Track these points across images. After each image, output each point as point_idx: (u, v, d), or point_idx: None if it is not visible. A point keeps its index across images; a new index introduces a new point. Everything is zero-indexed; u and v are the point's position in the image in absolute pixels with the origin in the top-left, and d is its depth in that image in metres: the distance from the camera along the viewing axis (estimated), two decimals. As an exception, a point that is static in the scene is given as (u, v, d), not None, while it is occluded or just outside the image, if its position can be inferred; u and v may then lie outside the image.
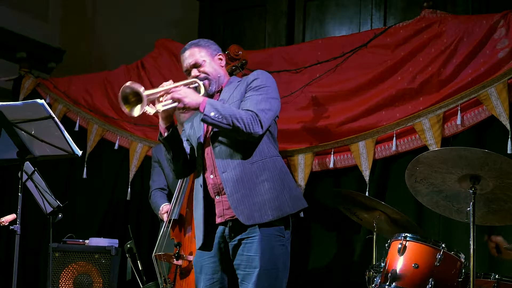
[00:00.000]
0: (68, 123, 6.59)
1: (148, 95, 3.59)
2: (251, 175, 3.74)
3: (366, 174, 5.31)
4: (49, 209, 5.12)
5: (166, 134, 3.84)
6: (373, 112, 5.34)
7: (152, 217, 5.61)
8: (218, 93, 3.98)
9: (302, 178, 5.53)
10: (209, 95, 3.93)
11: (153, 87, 6.35)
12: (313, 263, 5.61)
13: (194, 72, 3.94)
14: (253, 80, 3.85)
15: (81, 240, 5.85)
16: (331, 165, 5.47)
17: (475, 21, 5.08)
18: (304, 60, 5.75)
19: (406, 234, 4.11)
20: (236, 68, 4.95)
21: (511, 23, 4.93)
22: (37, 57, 7.82)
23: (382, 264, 4.23)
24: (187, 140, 4.05)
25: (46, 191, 5.04)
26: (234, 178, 3.75)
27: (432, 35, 5.22)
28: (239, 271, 3.77)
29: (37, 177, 4.98)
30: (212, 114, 3.62)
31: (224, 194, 3.78)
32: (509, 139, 4.80)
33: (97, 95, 6.77)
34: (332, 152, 5.48)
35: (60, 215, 5.18)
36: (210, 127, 3.84)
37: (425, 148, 5.01)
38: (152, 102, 3.70)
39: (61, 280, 5.70)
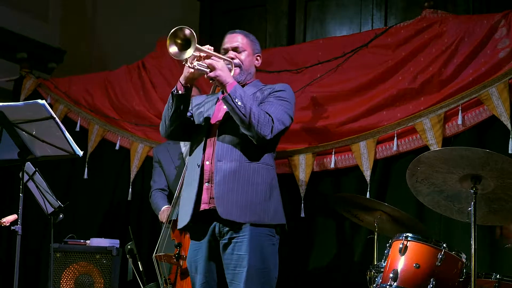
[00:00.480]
0: (69, 123, 6.59)
1: (197, 48, 3.62)
2: (244, 173, 3.77)
3: (367, 174, 5.31)
4: (50, 210, 5.12)
5: (180, 91, 3.82)
6: (374, 112, 5.34)
7: (153, 218, 5.61)
8: None
9: (303, 178, 5.53)
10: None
11: (154, 87, 6.41)
12: (313, 263, 5.61)
13: (231, 54, 3.98)
14: (279, 90, 3.92)
15: (82, 241, 5.84)
16: (332, 165, 5.47)
17: (476, 21, 5.07)
18: (304, 60, 5.74)
19: (407, 234, 4.10)
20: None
21: (512, 22, 4.94)
22: (37, 58, 7.82)
23: (383, 264, 4.23)
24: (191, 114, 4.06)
25: (47, 192, 5.04)
26: (227, 170, 3.77)
27: (433, 35, 5.22)
28: (229, 271, 3.77)
29: (38, 177, 4.98)
30: (235, 97, 3.65)
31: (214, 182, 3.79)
32: (510, 139, 4.79)
33: (98, 95, 6.77)
34: (333, 152, 5.48)
35: (61, 216, 5.18)
36: (223, 114, 3.85)
37: (426, 148, 5.01)
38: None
39: (62, 281, 5.69)
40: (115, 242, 5.81)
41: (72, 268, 5.72)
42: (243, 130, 3.75)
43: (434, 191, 3.99)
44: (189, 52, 3.59)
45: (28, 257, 6.74)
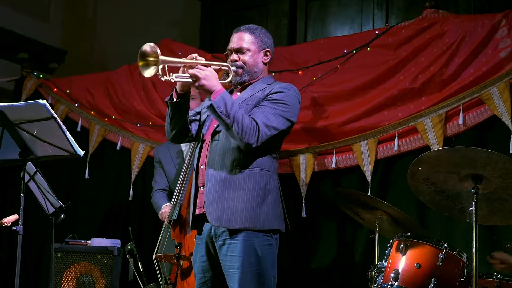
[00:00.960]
0: (70, 123, 6.60)
1: (164, 61, 3.58)
2: (234, 180, 3.73)
3: (368, 174, 5.31)
4: (51, 210, 5.12)
5: (174, 99, 3.81)
6: (375, 112, 5.34)
7: (154, 218, 5.62)
8: (244, 88, 3.96)
9: (304, 178, 5.53)
10: (238, 83, 3.93)
11: (155, 87, 6.41)
12: (314, 263, 5.61)
13: (234, 56, 3.94)
14: (276, 92, 3.83)
15: (83, 241, 5.85)
16: (333, 165, 5.47)
17: (477, 21, 5.07)
18: (306, 60, 5.74)
19: (408, 233, 4.10)
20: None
21: (513, 22, 4.94)
22: (38, 58, 7.83)
23: (384, 264, 4.23)
24: (199, 113, 4.04)
25: (48, 192, 5.04)
26: (217, 178, 3.75)
27: (434, 34, 5.22)
28: (225, 272, 3.77)
29: (39, 177, 4.98)
30: (219, 106, 3.61)
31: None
32: (511, 139, 4.79)
33: (99, 95, 6.77)
34: (334, 152, 5.47)
35: (62, 216, 5.18)
36: None
37: (427, 148, 5.01)
38: (173, 70, 3.67)
39: (64, 281, 5.70)
40: (116, 242, 5.82)
41: (73, 268, 5.73)
42: (230, 137, 3.75)
43: (435, 191, 3.99)
44: (157, 69, 3.56)
45: (29, 257, 6.73)
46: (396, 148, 5.22)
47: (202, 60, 3.74)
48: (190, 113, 4.00)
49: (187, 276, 4.88)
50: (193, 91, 4.69)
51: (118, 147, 6.60)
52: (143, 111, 6.46)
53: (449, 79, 5.08)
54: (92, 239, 5.87)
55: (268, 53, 4.01)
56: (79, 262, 5.73)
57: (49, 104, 4.34)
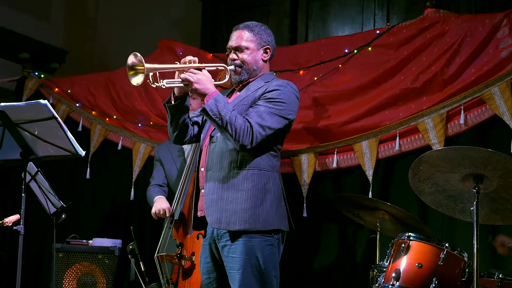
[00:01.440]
0: (71, 123, 6.59)
1: (150, 68, 3.57)
2: (232, 181, 3.73)
3: (370, 173, 5.31)
4: (52, 210, 5.12)
5: (172, 102, 3.80)
6: (376, 112, 5.34)
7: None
8: (244, 86, 3.95)
9: (305, 178, 5.53)
10: (237, 82, 3.92)
11: (156, 87, 6.40)
12: (316, 263, 5.61)
13: (232, 55, 3.91)
14: (271, 90, 3.80)
15: (84, 241, 5.86)
16: (334, 165, 5.47)
17: (478, 20, 5.07)
18: (307, 59, 5.74)
19: (409, 233, 4.11)
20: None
21: (514, 22, 4.94)
22: (40, 58, 7.83)
23: (385, 263, 4.23)
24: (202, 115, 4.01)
25: (49, 192, 5.04)
26: (216, 180, 3.75)
27: (435, 34, 5.21)
28: (228, 273, 3.77)
29: (40, 177, 4.98)
30: (212, 109, 3.61)
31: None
32: (513, 138, 4.80)
33: (100, 95, 6.77)
34: (335, 152, 5.47)
35: (63, 216, 5.18)
36: None
37: (428, 147, 5.01)
38: (166, 77, 3.67)
39: (65, 281, 5.70)
40: (118, 242, 5.82)
41: (75, 268, 5.73)
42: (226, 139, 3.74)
43: (436, 190, 3.99)
44: (143, 76, 3.55)
45: (30, 257, 6.74)
46: (397, 148, 5.22)
47: (195, 63, 3.72)
48: (193, 114, 3.99)
49: (188, 276, 4.88)
50: None
51: (119, 147, 6.60)
52: (144, 111, 6.46)
53: (450, 79, 5.08)
54: (93, 239, 5.87)
55: (268, 50, 3.98)
56: (80, 262, 5.74)
57: (50, 104, 4.34)
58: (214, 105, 3.62)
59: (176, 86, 3.71)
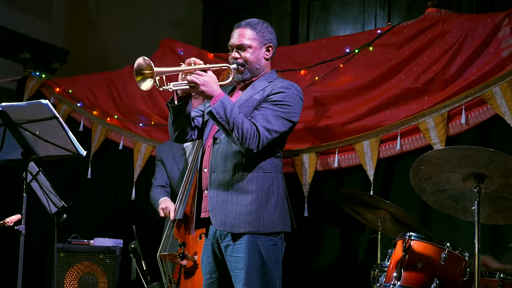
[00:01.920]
0: (72, 123, 6.61)
1: (159, 72, 3.55)
2: (237, 184, 3.72)
3: (371, 173, 5.31)
4: (53, 210, 5.13)
5: (175, 102, 3.77)
6: (378, 112, 5.34)
7: (157, 217, 5.61)
8: (246, 86, 3.92)
9: (306, 178, 5.53)
10: (240, 81, 3.90)
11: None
12: (317, 262, 5.61)
13: (235, 54, 3.88)
14: (277, 92, 3.78)
15: (85, 240, 5.86)
16: (336, 165, 5.47)
17: (479, 20, 5.07)
18: (308, 59, 5.74)
19: (410, 233, 4.10)
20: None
21: (516, 21, 4.93)
22: (41, 58, 7.84)
23: (386, 263, 4.23)
24: (203, 113, 4.00)
25: (50, 192, 5.05)
26: (220, 182, 3.74)
27: (436, 34, 5.21)
28: (231, 273, 3.77)
29: (41, 177, 4.98)
30: (218, 112, 3.59)
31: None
32: (514, 138, 4.80)
33: (101, 95, 6.78)
34: (336, 152, 5.47)
35: (64, 216, 5.18)
36: None
37: (429, 147, 5.01)
38: (169, 79, 3.65)
39: (66, 281, 5.71)
40: (119, 242, 5.82)
41: (76, 268, 5.73)
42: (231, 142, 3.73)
43: (437, 190, 3.99)
44: (153, 81, 3.53)
45: (31, 257, 6.75)
46: (398, 147, 5.22)
47: (200, 64, 3.70)
48: (194, 112, 3.97)
49: (190, 276, 4.88)
50: None
51: (120, 147, 6.60)
52: (146, 111, 6.46)
53: (451, 79, 5.08)
54: (94, 238, 5.87)
55: (270, 48, 3.95)
56: (81, 262, 5.74)
57: (51, 104, 4.34)
58: (221, 108, 3.60)
59: (183, 89, 3.69)
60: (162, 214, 5.26)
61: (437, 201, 4.09)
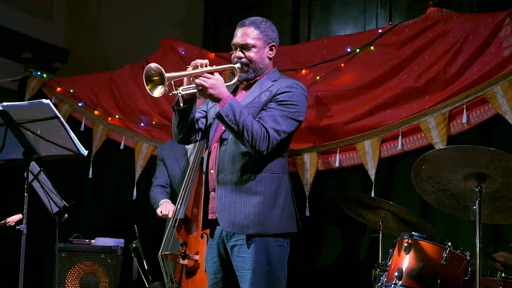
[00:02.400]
0: (73, 123, 6.61)
1: (170, 77, 3.51)
2: (246, 185, 3.70)
3: (372, 173, 5.31)
4: (55, 209, 5.13)
5: (181, 105, 3.73)
6: (379, 111, 5.34)
7: (158, 217, 5.62)
8: (250, 85, 3.90)
9: (308, 177, 5.53)
10: (243, 80, 3.87)
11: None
12: (318, 262, 5.61)
13: (239, 53, 3.84)
14: (283, 92, 3.76)
15: (87, 240, 5.86)
16: (337, 164, 5.47)
17: (481, 19, 5.07)
18: (309, 59, 5.74)
19: (412, 232, 4.10)
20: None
21: (517, 21, 4.93)
22: (42, 57, 7.84)
23: (388, 262, 4.23)
24: (206, 113, 3.97)
25: (52, 191, 5.05)
26: (228, 183, 3.72)
27: (438, 33, 5.21)
28: (237, 273, 3.76)
29: (43, 177, 4.99)
30: (227, 115, 3.57)
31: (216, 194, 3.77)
32: (515, 137, 4.80)
33: (103, 95, 6.78)
34: (337, 151, 5.48)
35: (66, 215, 5.19)
36: None
37: (430, 146, 5.01)
38: (176, 83, 3.61)
39: (67, 280, 5.71)
40: (120, 242, 5.82)
41: (77, 268, 5.73)
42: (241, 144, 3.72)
43: (438, 189, 3.98)
44: (165, 87, 3.48)
45: (33, 257, 6.75)
46: (399, 147, 5.22)
47: (207, 66, 3.66)
48: (197, 113, 3.95)
49: (192, 275, 4.88)
50: None
51: (121, 147, 6.61)
52: (147, 110, 6.46)
53: (452, 78, 5.08)
54: (96, 238, 5.87)
55: (273, 47, 3.92)
56: (83, 261, 5.74)
57: (53, 103, 4.33)
58: (230, 110, 3.57)
59: (191, 93, 3.65)
60: (160, 215, 5.26)
61: (438, 200, 4.09)
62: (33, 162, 4.66)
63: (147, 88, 3.52)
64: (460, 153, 3.74)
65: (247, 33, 3.84)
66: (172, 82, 3.55)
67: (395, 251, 4.16)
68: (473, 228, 3.73)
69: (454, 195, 3.98)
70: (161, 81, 3.49)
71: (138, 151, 6.50)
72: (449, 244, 3.98)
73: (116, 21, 8.13)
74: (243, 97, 3.86)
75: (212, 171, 3.81)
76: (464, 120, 4.97)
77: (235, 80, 3.81)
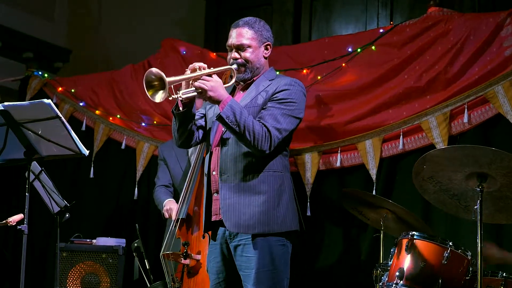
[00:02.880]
0: (74, 122, 6.61)
1: (171, 82, 3.50)
2: (249, 185, 3.70)
3: (373, 172, 5.31)
4: (56, 209, 5.13)
5: (180, 109, 3.72)
6: (380, 111, 5.34)
7: (159, 217, 5.62)
8: (247, 86, 3.90)
9: (309, 177, 5.53)
10: (240, 81, 3.87)
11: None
12: (319, 262, 5.61)
13: (235, 54, 3.85)
14: (282, 90, 3.77)
15: (88, 240, 5.85)
16: (338, 164, 5.47)
17: (482, 19, 5.07)
18: (310, 59, 5.74)
19: (413, 232, 4.10)
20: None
21: (518, 21, 4.93)
22: (43, 57, 7.85)
23: (389, 262, 4.23)
24: (205, 116, 3.97)
25: (53, 191, 5.05)
26: (231, 184, 3.72)
27: (439, 33, 5.21)
28: (241, 272, 3.76)
29: (44, 177, 4.99)
30: (228, 116, 3.57)
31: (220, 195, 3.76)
32: (516, 137, 4.80)
33: (104, 94, 6.78)
34: (338, 151, 5.48)
35: (67, 215, 5.18)
36: None
37: (432, 146, 5.01)
38: (176, 87, 3.60)
39: (69, 280, 5.71)
40: (121, 241, 5.82)
41: (78, 268, 5.73)
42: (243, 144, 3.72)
43: (440, 189, 3.98)
44: (166, 91, 3.46)
45: (34, 257, 6.75)
46: (401, 146, 5.22)
47: (205, 69, 3.66)
48: (196, 115, 3.95)
49: (193, 275, 4.88)
50: None
51: (123, 146, 6.61)
52: (148, 110, 6.46)
53: (453, 78, 5.08)
54: (97, 238, 5.87)
55: (268, 46, 3.93)
56: (84, 261, 5.74)
57: (54, 103, 4.33)
58: (231, 112, 3.58)
59: (191, 96, 3.65)
60: (166, 215, 5.26)
61: (439, 200, 4.09)
62: (35, 162, 4.65)
63: (148, 94, 3.51)
64: (461, 153, 3.74)
65: (242, 34, 3.85)
66: (172, 86, 3.56)
67: (396, 251, 4.16)
68: (475, 228, 3.73)
69: (455, 194, 3.99)
70: (162, 86, 3.49)
71: (139, 150, 6.49)
72: (450, 243, 3.98)
73: (117, 21, 8.13)
74: (241, 97, 3.87)
75: (214, 173, 3.81)
76: (465, 119, 4.97)
77: (232, 81, 3.82)
